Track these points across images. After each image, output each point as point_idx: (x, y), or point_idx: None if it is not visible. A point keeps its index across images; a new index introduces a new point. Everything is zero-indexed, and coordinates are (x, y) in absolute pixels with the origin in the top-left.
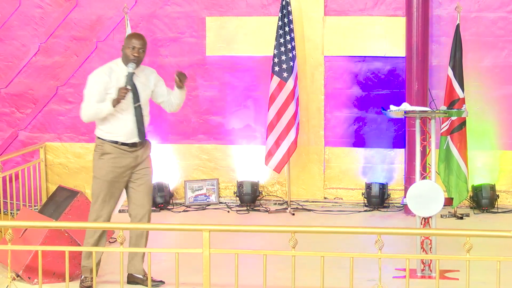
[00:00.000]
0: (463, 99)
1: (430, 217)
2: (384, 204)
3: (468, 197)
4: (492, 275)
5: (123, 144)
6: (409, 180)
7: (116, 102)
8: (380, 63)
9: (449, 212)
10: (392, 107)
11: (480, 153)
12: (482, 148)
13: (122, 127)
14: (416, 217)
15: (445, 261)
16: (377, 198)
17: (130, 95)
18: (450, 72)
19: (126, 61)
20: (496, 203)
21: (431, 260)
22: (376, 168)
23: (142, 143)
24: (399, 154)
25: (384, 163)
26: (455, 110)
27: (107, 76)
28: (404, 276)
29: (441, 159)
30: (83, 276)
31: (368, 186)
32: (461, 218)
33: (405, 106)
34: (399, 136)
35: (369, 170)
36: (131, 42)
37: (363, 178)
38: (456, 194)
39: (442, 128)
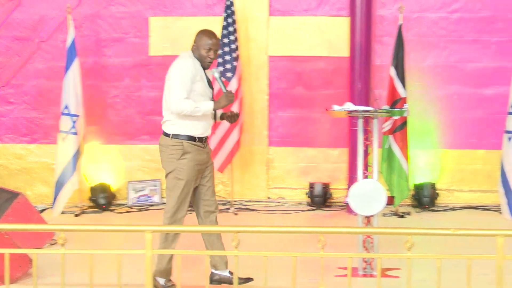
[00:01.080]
0: (405, 98)
1: (372, 216)
2: (327, 204)
3: (410, 196)
4: (433, 272)
5: (199, 140)
6: (351, 179)
7: (222, 106)
8: (324, 63)
9: (391, 211)
10: (335, 106)
11: (422, 152)
12: (424, 147)
13: (201, 120)
14: (359, 216)
15: (387, 260)
16: (320, 198)
17: (210, 90)
18: (392, 72)
19: (200, 59)
20: (437, 202)
21: (373, 259)
22: (319, 167)
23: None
24: (342, 153)
25: (327, 163)
26: (397, 109)
27: (193, 67)
28: (346, 275)
29: (384, 158)
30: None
31: (311, 186)
32: (403, 216)
33: (348, 105)
34: (342, 135)
35: (312, 170)
36: (207, 43)
37: (307, 178)
38: (398, 192)
39: (385, 127)
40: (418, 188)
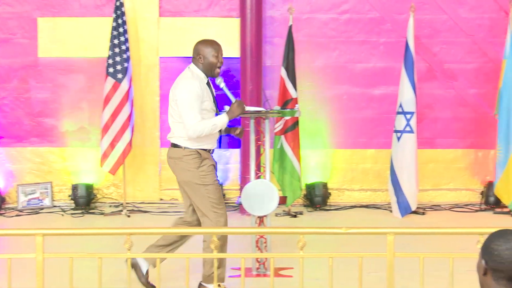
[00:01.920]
0: (296, 99)
1: (265, 216)
2: None
3: (302, 196)
4: (325, 271)
5: (208, 151)
6: (244, 179)
7: (236, 116)
8: None
9: (283, 211)
10: (226, 107)
11: (313, 152)
12: (315, 147)
13: (213, 134)
14: (251, 216)
15: (280, 259)
16: None
17: (215, 105)
18: (283, 73)
19: (209, 68)
20: (329, 201)
21: (266, 259)
22: None
23: None
24: (234, 154)
25: (219, 163)
26: (288, 110)
27: (200, 88)
28: (240, 275)
29: (276, 158)
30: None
31: None
32: (295, 216)
33: None
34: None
35: None
36: (214, 49)
37: None
38: (290, 192)
39: (276, 128)
40: (310, 188)
